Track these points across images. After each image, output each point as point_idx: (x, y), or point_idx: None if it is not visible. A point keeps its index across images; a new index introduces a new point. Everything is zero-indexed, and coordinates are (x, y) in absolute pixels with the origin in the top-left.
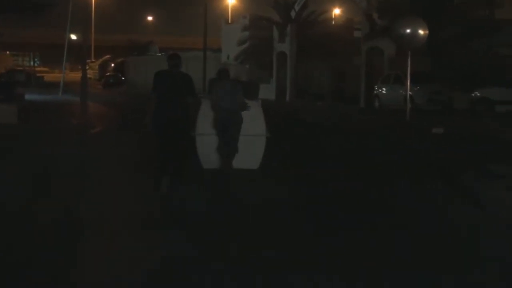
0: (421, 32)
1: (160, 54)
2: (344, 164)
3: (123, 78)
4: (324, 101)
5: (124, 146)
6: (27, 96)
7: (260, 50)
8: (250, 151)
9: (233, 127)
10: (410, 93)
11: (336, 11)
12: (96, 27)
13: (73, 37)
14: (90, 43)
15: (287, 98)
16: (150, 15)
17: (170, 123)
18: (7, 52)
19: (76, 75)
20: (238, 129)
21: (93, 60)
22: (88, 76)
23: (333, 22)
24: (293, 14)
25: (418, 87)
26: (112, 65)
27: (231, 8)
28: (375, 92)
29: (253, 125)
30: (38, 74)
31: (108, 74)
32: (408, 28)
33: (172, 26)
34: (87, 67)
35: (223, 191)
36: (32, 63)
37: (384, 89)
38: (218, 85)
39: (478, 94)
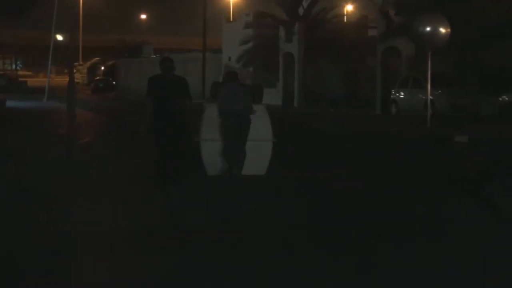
0: (442, 30)
1: (155, 56)
2: (365, 180)
3: (114, 82)
4: (335, 106)
5: (116, 157)
6: (8, 103)
7: (264, 51)
8: (256, 157)
9: (241, 130)
10: (430, 97)
11: (349, 8)
12: (84, 26)
13: (59, 37)
14: (78, 44)
15: (295, 104)
16: (144, 13)
17: (168, 126)
18: None
19: (63, 80)
20: (247, 132)
21: (81, 63)
22: (76, 80)
23: (345, 20)
24: (301, 11)
25: (439, 91)
26: (102, 68)
27: (232, 5)
28: (392, 96)
29: (259, 130)
30: (20, 79)
31: (98, 78)
32: (428, 25)
33: (168, 25)
34: (75, 71)
35: (229, 199)
36: (14, 66)
37: (402, 93)
38: (225, 88)
39: (506, 98)
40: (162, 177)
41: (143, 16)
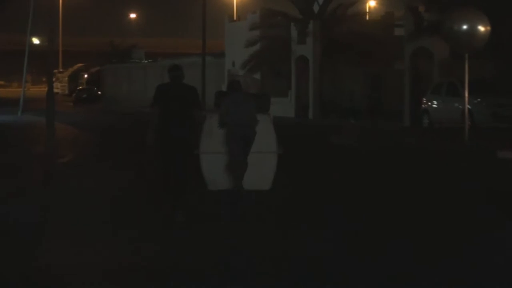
0: (481, 28)
1: (146, 61)
2: (403, 207)
3: (99, 92)
4: (357, 118)
5: (101, 179)
6: None
7: (274, 54)
8: (260, 170)
9: (245, 142)
10: (468, 106)
11: (372, 3)
12: (64, 28)
13: (35, 41)
14: (57, 48)
15: (310, 115)
16: (134, 13)
17: (175, 139)
18: None
19: (40, 90)
20: (250, 144)
21: (61, 70)
22: (55, 90)
23: (367, 17)
24: (316, 8)
25: (478, 99)
26: (86, 76)
27: (236, 2)
28: (423, 106)
29: (263, 141)
30: None
31: (80, 87)
32: (465, 23)
33: (161, 26)
34: (54, 79)
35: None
36: None
37: (435, 102)
38: (228, 98)
39: None
40: (167, 191)
41: (133, 16)
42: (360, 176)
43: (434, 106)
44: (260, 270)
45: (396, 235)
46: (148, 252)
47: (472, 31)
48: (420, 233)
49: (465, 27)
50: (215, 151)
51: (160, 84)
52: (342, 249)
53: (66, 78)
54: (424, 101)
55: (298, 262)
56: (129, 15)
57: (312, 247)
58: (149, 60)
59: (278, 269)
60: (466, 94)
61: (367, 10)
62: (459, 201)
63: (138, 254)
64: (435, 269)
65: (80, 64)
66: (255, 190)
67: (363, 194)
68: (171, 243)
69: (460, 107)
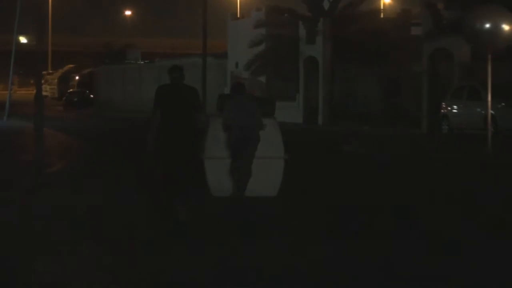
0: (505, 27)
1: (143, 62)
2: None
3: (91, 95)
4: (371, 124)
5: (94, 191)
6: None
7: (280, 55)
8: (267, 176)
9: (249, 148)
10: (492, 112)
11: (387, 0)
12: (54, 25)
13: (23, 40)
14: (47, 48)
15: (320, 121)
16: (129, 10)
17: (177, 142)
18: None
19: (27, 92)
20: (254, 150)
21: (50, 71)
22: (44, 93)
23: (382, 15)
24: (326, 4)
25: (502, 104)
26: (77, 78)
27: None
28: (442, 111)
29: (270, 146)
30: None
31: (71, 90)
32: (488, 22)
33: (158, 24)
34: (43, 81)
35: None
36: None
37: (455, 106)
38: (232, 101)
39: None
40: (169, 195)
41: (128, 13)
42: (370, 185)
43: (454, 111)
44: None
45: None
46: (148, 267)
47: (496, 30)
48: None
49: (488, 25)
50: (220, 156)
51: (160, 86)
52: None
53: (56, 80)
54: (444, 106)
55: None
56: (124, 13)
57: (317, 256)
58: (146, 61)
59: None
60: (489, 98)
61: (382, 8)
62: (474, 212)
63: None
64: None
65: (71, 65)
66: (261, 196)
67: (370, 205)
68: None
69: (483, 112)
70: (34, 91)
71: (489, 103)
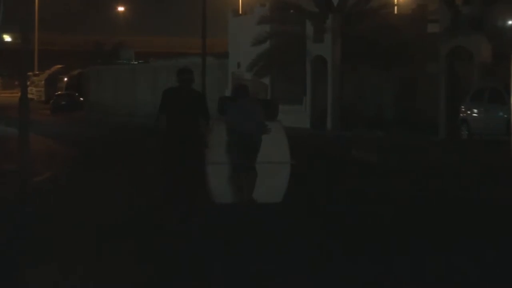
0: None
1: (137, 62)
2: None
3: (81, 98)
4: (384, 129)
5: (84, 201)
6: None
7: (286, 55)
8: (272, 181)
9: (252, 152)
10: None
11: None
12: (41, 23)
13: (7, 38)
14: (33, 46)
15: (329, 126)
16: (122, 6)
17: (182, 148)
18: None
19: (12, 95)
20: (256, 153)
21: (37, 72)
22: (30, 96)
23: (395, 11)
24: (335, 0)
25: None
26: (65, 79)
27: None
28: (461, 115)
29: (275, 151)
30: None
31: (59, 93)
32: (510, 19)
33: (154, 21)
34: (29, 83)
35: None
36: None
37: (475, 110)
38: (234, 104)
39: None
40: (173, 203)
41: (121, 9)
42: (381, 197)
43: (474, 115)
44: None
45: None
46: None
47: None
48: None
49: (510, 22)
50: (222, 162)
51: (166, 89)
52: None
53: (43, 82)
54: (463, 110)
55: None
56: (117, 9)
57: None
58: (140, 61)
59: None
60: None
61: (396, 3)
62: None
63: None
64: None
65: (59, 66)
66: (265, 203)
67: (374, 216)
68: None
69: (505, 116)
70: (19, 94)
71: None
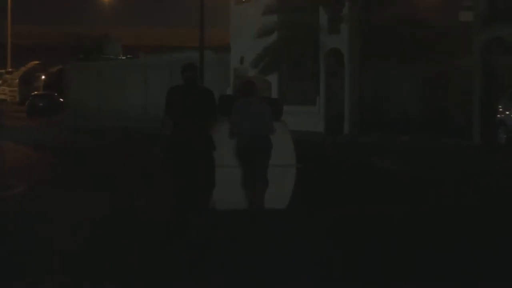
0: None
1: (124, 57)
2: None
3: (61, 99)
4: (410, 134)
5: (64, 216)
6: None
7: (296, 48)
8: (276, 186)
9: (261, 154)
10: None
11: None
12: (14, 13)
13: None
14: (5, 40)
15: (346, 130)
16: None
17: (190, 152)
18: None
19: None
20: (268, 156)
21: (10, 69)
22: (3, 96)
23: None
24: None
25: None
26: (43, 77)
27: None
28: (499, 116)
29: (280, 153)
30: None
31: (36, 93)
32: None
33: (143, 11)
34: (0, 82)
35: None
36: None
37: None
38: (242, 103)
39: None
40: (183, 209)
41: None
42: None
43: None
44: None
45: None
46: None
47: None
48: None
49: None
50: (226, 165)
51: (171, 87)
52: None
53: (17, 81)
54: (501, 110)
55: None
56: None
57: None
58: (128, 56)
59: None
60: None
61: None
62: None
63: None
64: None
65: (35, 62)
66: (269, 208)
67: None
68: None
69: None
70: None
71: None
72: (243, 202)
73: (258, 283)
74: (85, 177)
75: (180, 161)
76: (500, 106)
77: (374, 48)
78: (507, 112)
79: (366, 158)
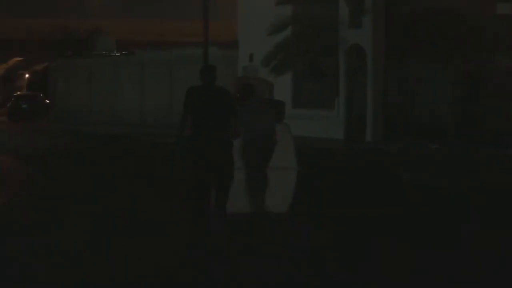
0: None
1: (118, 54)
2: None
3: (46, 101)
4: (442, 141)
5: (49, 232)
6: None
7: (313, 44)
8: (276, 189)
9: (265, 155)
10: None
11: None
12: None
13: None
14: None
15: (369, 137)
16: None
17: (210, 154)
18: None
19: None
20: (270, 157)
21: None
22: None
23: None
24: None
25: None
26: (27, 76)
27: None
28: None
29: (281, 155)
30: None
31: (19, 93)
32: None
33: (138, 3)
34: None
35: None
36: None
37: None
38: (246, 105)
39: None
40: (199, 214)
41: None
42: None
43: None
44: None
45: None
46: None
47: None
48: None
49: None
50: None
51: (190, 88)
52: None
53: None
54: None
55: None
56: None
57: None
58: (123, 52)
59: None
60: None
61: None
62: None
63: None
64: None
65: (18, 59)
66: (270, 211)
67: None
68: None
69: None
70: None
71: None
72: (245, 205)
73: (259, 285)
74: (68, 188)
75: (199, 160)
76: None
77: (400, 44)
78: None
79: (393, 170)
